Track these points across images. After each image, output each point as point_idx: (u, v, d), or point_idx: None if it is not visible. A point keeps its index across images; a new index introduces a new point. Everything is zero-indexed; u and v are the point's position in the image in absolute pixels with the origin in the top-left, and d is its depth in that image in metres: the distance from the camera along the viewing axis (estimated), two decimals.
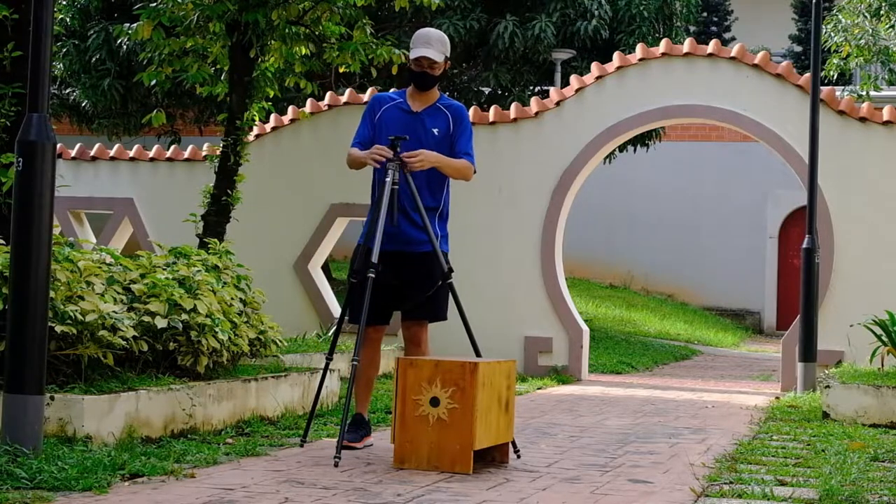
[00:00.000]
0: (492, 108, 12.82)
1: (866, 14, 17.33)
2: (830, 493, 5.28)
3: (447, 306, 6.66)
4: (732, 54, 12.13)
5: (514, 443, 6.34)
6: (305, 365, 8.93)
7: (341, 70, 12.19)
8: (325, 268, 15.79)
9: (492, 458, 6.10)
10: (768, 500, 5.17)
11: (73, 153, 14.01)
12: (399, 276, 6.56)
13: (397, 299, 6.65)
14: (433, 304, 6.64)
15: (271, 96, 11.78)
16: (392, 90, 6.99)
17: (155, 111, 11.65)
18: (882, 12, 17.44)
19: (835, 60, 17.57)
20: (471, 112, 12.75)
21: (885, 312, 9.58)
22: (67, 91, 17.96)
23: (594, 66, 12.56)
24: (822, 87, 11.55)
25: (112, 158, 13.95)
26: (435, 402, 5.74)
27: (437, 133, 6.63)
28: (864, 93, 17.58)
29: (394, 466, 5.80)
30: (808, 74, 11.57)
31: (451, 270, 6.52)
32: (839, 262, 11.65)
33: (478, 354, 6.46)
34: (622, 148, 18.15)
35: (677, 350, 17.68)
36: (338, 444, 5.93)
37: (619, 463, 6.30)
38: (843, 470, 6.00)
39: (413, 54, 6.65)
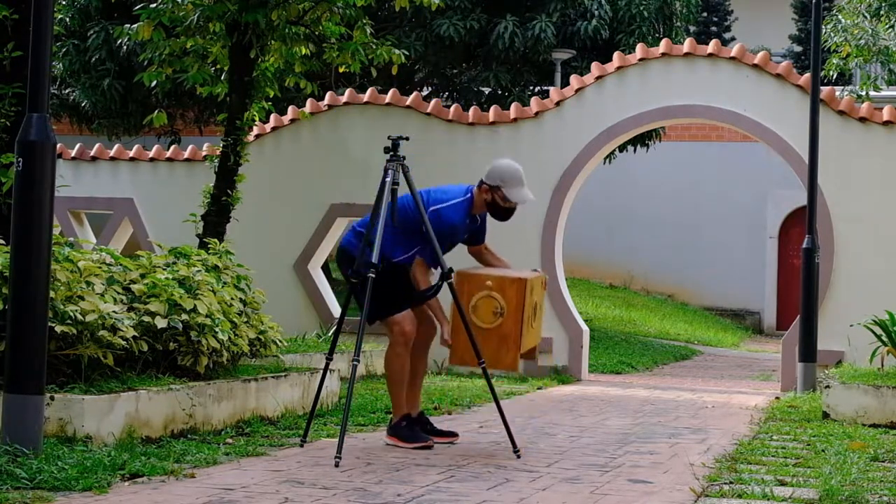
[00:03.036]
0: (492, 108, 12.82)
1: (866, 14, 17.32)
2: (830, 493, 5.28)
3: None
4: (732, 54, 12.13)
5: (514, 443, 6.35)
6: (305, 365, 8.93)
7: (341, 70, 12.18)
8: (325, 268, 15.79)
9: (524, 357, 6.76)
10: (768, 500, 5.18)
11: (73, 153, 14.01)
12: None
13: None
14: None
15: (271, 96, 11.78)
16: (452, 202, 6.80)
17: (156, 112, 11.64)
18: (882, 12, 17.42)
19: (835, 60, 17.56)
20: (470, 112, 12.76)
21: (885, 312, 9.58)
22: (67, 91, 17.95)
23: (594, 66, 12.56)
24: (822, 87, 11.55)
25: (112, 158, 13.95)
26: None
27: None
28: (863, 93, 17.57)
29: (449, 364, 6.57)
30: (808, 74, 11.57)
31: (451, 270, 6.53)
32: (839, 261, 11.65)
33: (478, 354, 6.47)
34: (622, 148, 18.15)
35: (677, 350, 17.68)
36: (338, 444, 5.93)
37: (619, 463, 6.30)
38: (843, 470, 6.00)
39: (519, 197, 6.69)
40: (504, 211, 6.75)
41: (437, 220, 6.53)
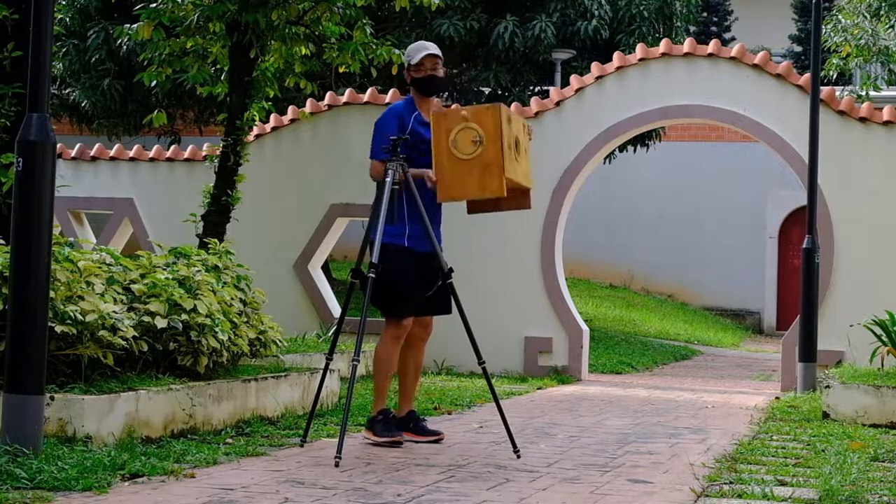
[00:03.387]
0: None
1: (866, 14, 17.33)
2: (830, 493, 5.28)
3: None
4: (732, 54, 12.13)
5: (514, 443, 6.34)
6: (305, 365, 8.93)
7: (341, 70, 12.18)
8: (325, 268, 15.79)
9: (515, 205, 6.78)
10: (768, 500, 5.18)
11: (73, 153, 14.00)
12: (434, 275, 6.61)
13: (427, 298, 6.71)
14: (448, 299, 6.75)
15: (271, 96, 11.78)
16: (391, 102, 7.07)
17: (156, 111, 11.64)
18: (882, 12, 17.43)
19: (835, 60, 17.57)
20: None
21: (885, 312, 9.58)
22: (67, 91, 17.95)
23: (594, 66, 12.56)
24: (822, 87, 11.55)
25: (112, 158, 13.95)
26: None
27: None
28: (863, 93, 17.57)
29: (438, 200, 6.50)
30: (808, 74, 11.57)
31: (451, 270, 6.53)
32: (839, 261, 11.65)
33: (478, 355, 6.47)
34: (622, 148, 18.15)
35: (677, 350, 17.68)
36: (338, 444, 5.93)
37: (619, 463, 6.30)
38: (843, 470, 6.00)
39: (418, 57, 6.72)
40: (426, 81, 6.77)
41: (385, 115, 6.75)
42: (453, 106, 6.60)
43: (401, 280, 6.55)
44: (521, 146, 6.68)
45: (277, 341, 7.94)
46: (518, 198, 6.77)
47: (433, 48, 6.82)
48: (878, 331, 9.49)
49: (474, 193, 6.46)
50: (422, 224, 6.49)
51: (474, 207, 6.86)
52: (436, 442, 6.75)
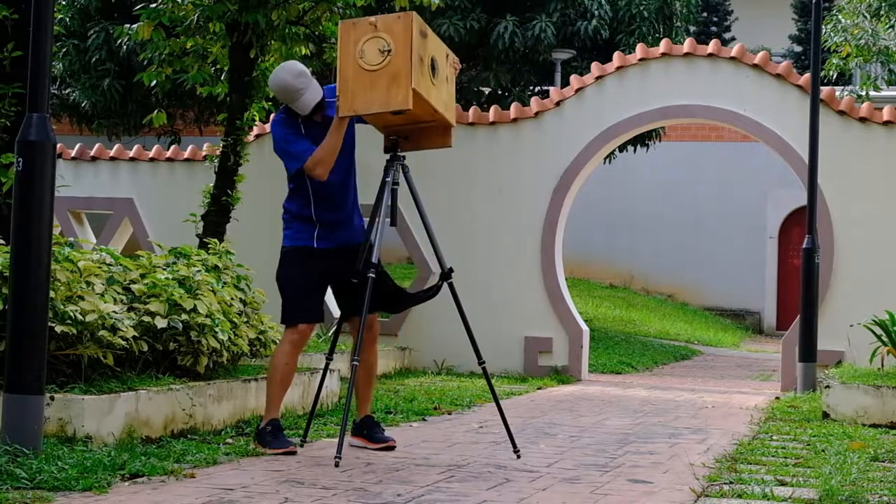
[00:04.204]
0: (492, 108, 12.81)
1: (866, 14, 17.32)
2: (830, 493, 5.28)
3: None
4: (732, 54, 12.13)
5: (514, 443, 6.34)
6: (305, 365, 8.93)
7: None
8: None
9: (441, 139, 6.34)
10: (768, 500, 5.18)
11: (73, 153, 14.00)
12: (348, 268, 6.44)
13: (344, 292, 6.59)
14: (389, 297, 6.62)
15: (271, 96, 11.77)
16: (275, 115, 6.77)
17: (155, 111, 11.63)
18: (882, 12, 17.43)
19: (834, 60, 17.56)
20: (470, 112, 12.74)
21: (885, 312, 9.58)
22: (67, 91, 17.95)
23: (594, 66, 12.56)
24: (822, 87, 11.55)
25: (112, 158, 13.95)
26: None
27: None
28: (863, 93, 17.57)
29: (340, 115, 6.02)
30: (808, 74, 11.57)
31: (451, 270, 6.52)
32: (839, 262, 11.65)
33: (478, 355, 6.46)
34: (622, 148, 18.15)
35: (677, 350, 17.68)
36: (338, 444, 5.93)
37: (619, 463, 6.30)
38: (843, 470, 6.01)
39: (304, 108, 6.42)
40: (320, 125, 6.40)
41: (276, 129, 6.42)
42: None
43: (293, 284, 6.40)
44: (441, 73, 6.22)
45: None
46: (439, 134, 6.32)
47: (304, 89, 6.41)
48: (878, 331, 9.49)
49: (379, 105, 5.97)
50: (335, 219, 6.35)
51: (392, 146, 6.36)
52: (387, 449, 6.47)
